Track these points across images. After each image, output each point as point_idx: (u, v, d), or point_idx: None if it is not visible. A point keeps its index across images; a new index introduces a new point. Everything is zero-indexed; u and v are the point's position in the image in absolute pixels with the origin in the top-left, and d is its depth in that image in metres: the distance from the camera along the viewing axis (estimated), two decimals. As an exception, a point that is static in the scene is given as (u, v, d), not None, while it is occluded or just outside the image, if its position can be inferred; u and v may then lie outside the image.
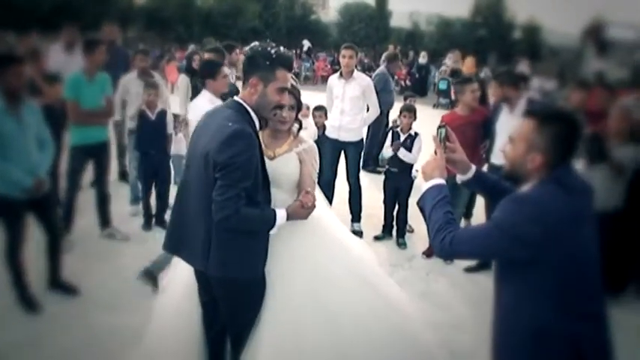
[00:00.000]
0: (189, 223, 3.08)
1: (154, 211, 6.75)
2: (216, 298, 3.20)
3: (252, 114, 3.02)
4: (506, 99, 5.76)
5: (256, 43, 3.10)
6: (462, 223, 6.87)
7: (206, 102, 5.16)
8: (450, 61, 18.83)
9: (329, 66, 25.32)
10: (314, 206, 3.17)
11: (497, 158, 5.63)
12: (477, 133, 5.91)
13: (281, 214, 3.04)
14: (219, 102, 5.22)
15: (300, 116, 6.57)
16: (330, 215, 3.77)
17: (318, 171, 3.53)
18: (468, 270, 5.91)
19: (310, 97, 9.06)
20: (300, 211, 3.12)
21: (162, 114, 6.63)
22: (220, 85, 5.49)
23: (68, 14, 21.45)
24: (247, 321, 3.18)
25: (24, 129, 4.55)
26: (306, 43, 28.40)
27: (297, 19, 34.02)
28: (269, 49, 3.02)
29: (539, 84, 12.01)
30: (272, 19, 32.66)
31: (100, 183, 6.18)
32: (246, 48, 3.10)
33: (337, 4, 36.36)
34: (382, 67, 10.05)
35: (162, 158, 6.70)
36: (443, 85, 17.56)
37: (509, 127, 5.40)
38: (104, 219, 6.28)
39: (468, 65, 12.34)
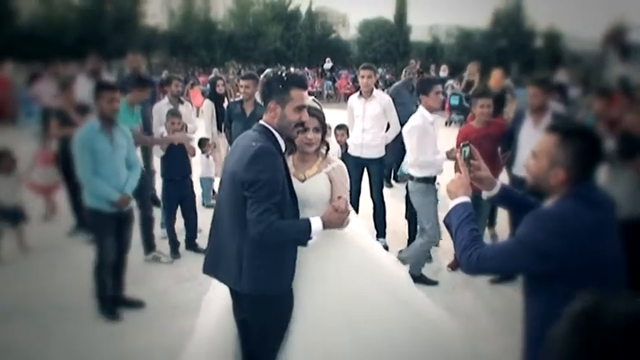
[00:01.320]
0: (223, 244, 3.21)
1: (179, 237, 6.79)
2: (247, 317, 3.30)
3: (277, 135, 3.16)
4: (541, 108, 5.76)
5: (269, 70, 3.28)
6: (486, 231, 6.98)
7: (419, 117, 5.69)
8: (465, 73, 18.85)
9: (351, 83, 25.46)
10: (347, 210, 3.16)
11: (520, 170, 5.69)
12: (494, 145, 5.97)
13: (315, 221, 3.06)
14: (432, 117, 5.73)
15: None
16: (362, 232, 3.84)
17: (349, 188, 3.61)
18: (493, 282, 5.96)
19: (334, 116, 9.18)
20: (335, 215, 3.10)
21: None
22: (433, 101, 5.77)
23: (93, 43, 21.98)
24: (275, 342, 3.27)
25: (115, 149, 4.94)
26: (328, 62, 28.68)
27: (318, 38, 34.37)
28: (280, 72, 3.19)
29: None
30: (293, 40, 33.05)
31: (143, 207, 6.37)
32: (261, 77, 3.28)
33: (357, 22, 36.67)
34: (399, 82, 10.20)
35: (187, 184, 6.74)
36: (454, 101, 16.36)
37: (534, 140, 5.48)
38: (149, 243, 6.43)
39: (495, 78, 11.32)
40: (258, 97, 7.00)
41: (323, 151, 3.61)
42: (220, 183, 3.34)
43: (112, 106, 4.91)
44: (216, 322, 3.61)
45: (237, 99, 7.43)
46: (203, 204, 8.20)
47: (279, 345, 3.27)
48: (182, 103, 7.45)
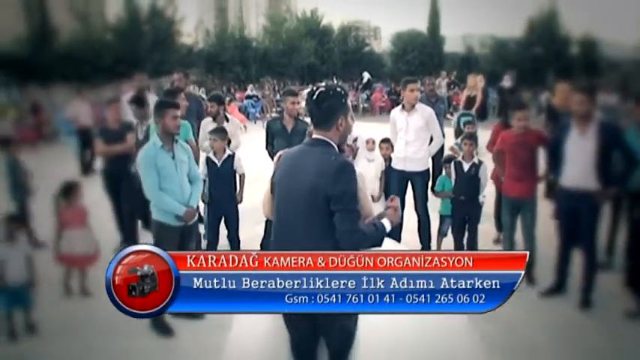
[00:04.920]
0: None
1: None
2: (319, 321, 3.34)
3: (336, 148, 3.31)
4: (587, 116, 5.59)
5: (322, 87, 3.30)
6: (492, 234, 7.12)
7: None
8: (506, 83, 18.60)
9: (386, 96, 25.42)
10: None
11: (569, 181, 5.63)
12: (529, 154, 6.04)
13: (386, 224, 3.30)
14: None
15: (367, 149, 6.76)
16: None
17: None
18: (544, 294, 5.88)
19: (370, 129, 9.20)
20: (395, 215, 3.37)
21: (229, 159, 6.61)
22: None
23: (130, 63, 22.36)
24: (351, 343, 3.40)
25: (177, 164, 5.19)
26: (366, 75, 28.68)
27: (351, 52, 34.46)
28: (338, 89, 3.35)
29: (601, 99, 11.71)
30: (327, 54, 33.17)
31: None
32: (316, 95, 3.28)
33: (389, 34, 36.71)
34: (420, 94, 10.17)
35: (230, 203, 6.66)
36: (467, 119, 11.41)
37: (582, 151, 5.44)
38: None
39: (561, 95, 8.28)
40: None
41: None
42: (285, 199, 3.33)
43: (174, 122, 5.14)
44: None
45: (275, 115, 7.53)
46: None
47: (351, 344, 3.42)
48: (227, 120, 7.51)
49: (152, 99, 8.32)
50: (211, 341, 4.78)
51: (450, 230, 6.97)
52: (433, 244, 7.04)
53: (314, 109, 3.30)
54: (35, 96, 18.31)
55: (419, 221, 6.96)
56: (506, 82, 18.53)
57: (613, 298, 5.75)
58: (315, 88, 3.33)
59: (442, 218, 7.09)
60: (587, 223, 5.65)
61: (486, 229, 7.14)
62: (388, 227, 3.30)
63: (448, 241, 6.95)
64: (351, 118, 3.37)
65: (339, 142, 3.32)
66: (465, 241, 6.73)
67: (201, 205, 7.29)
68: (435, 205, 7.14)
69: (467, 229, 6.69)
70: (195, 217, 5.40)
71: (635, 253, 5.74)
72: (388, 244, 3.64)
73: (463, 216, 6.67)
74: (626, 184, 5.65)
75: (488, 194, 6.87)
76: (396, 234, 6.87)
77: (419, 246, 6.91)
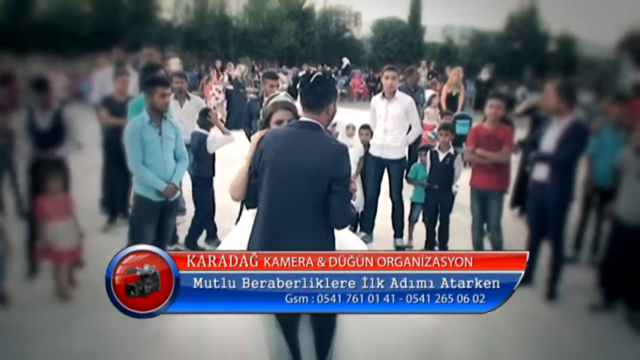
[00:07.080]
0: (290, 237, 3.27)
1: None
2: None
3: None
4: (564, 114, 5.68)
5: (318, 74, 3.39)
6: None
7: None
8: (484, 76, 18.72)
9: (364, 83, 25.44)
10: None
11: (540, 175, 5.75)
12: (498, 148, 6.12)
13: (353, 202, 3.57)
14: None
15: (347, 135, 6.82)
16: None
17: None
18: (511, 284, 5.98)
19: (346, 115, 9.22)
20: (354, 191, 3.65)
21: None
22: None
23: (108, 36, 22.07)
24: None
25: (164, 141, 5.27)
26: (345, 61, 28.70)
27: (332, 37, 34.38)
28: (333, 75, 3.44)
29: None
30: (307, 37, 33.04)
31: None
32: (313, 79, 3.37)
33: (370, 21, 36.64)
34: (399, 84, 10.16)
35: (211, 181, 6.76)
36: (462, 130, 9.89)
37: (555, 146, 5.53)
38: (172, 235, 6.40)
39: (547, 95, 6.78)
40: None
41: None
42: (279, 179, 3.34)
43: (163, 100, 5.23)
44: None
45: (252, 97, 7.46)
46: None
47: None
48: (189, 98, 7.41)
49: (132, 74, 8.27)
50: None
51: (420, 217, 7.08)
52: (406, 231, 7.13)
53: (309, 92, 3.39)
54: (7, 65, 17.94)
55: (393, 208, 7.04)
56: (484, 75, 18.68)
57: (578, 290, 5.90)
58: (311, 73, 3.46)
59: (413, 205, 7.18)
60: (556, 217, 5.77)
61: (457, 217, 7.24)
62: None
63: (422, 232, 7.05)
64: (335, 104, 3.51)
65: (325, 125, 3.42)
66: (437, 229, 6.84)
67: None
68: (406, 192, 7.20)
69: (439, 217, 6.80)
70: (177, 194, 5.46)
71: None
72: (355, 244, 3.74)
73: (436, 204, 6.77)
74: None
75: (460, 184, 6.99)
76: (369, 220, 7.01)
77: (392, 231, 7.01)
